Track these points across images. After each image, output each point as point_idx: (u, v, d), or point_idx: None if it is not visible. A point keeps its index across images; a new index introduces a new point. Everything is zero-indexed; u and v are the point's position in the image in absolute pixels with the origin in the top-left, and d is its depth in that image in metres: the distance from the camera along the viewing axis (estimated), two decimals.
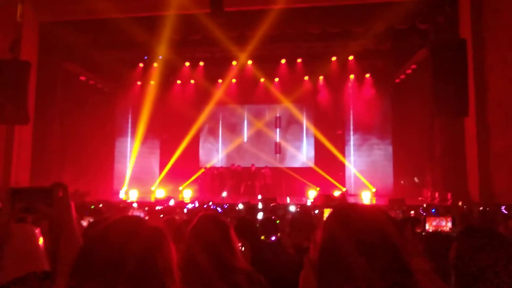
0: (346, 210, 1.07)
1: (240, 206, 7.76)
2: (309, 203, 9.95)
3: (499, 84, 9.48)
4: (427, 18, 10.95)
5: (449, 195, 10.02)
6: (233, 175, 15.02)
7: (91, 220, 4.13)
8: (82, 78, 13.96)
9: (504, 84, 9.25)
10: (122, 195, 12.82)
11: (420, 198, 11.79)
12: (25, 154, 11.19)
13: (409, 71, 13.23)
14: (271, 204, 8.02)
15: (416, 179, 13.11)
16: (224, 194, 13.36)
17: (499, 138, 9.49)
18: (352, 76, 15.34)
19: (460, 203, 8.50)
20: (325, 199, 9.78)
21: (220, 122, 16.65)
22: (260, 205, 7.95)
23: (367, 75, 15.28)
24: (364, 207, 1.08)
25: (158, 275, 0.97)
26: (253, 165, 15.24)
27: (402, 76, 13.89)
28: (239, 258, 1.87)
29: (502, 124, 9.37)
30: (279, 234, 3.54)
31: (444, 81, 9.35)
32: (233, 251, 1.85)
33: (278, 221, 4.01)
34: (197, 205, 8.08)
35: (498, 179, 9.47)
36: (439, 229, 3.55)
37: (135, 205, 8.51)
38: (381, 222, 1.00)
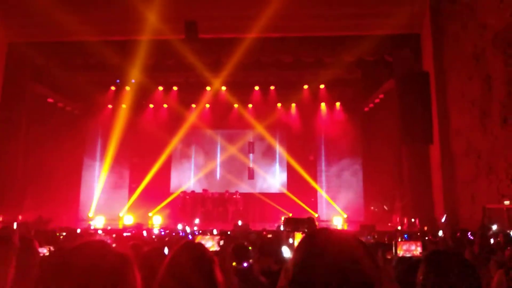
0: (318, 234, 1.07)
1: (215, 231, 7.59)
2: (282, 228, 9.88)
3: (460, 114, 10.01)
4: (393, 51, 11.55)
5: (417, 221, 10.25)
6: (205, 201, 14.78)
7: (52, 248, 3.90)
8: (50, 100, 13.56)
9: (464, 115, 9.77)
10: (87, 223, 12.27)
11: (389, 224, 11.99)
12: None
13: (377, 100, 13.76)
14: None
15: (385, 207, 13.37)
16: (197, 220, 13.07)
17: (462, 165, 9.92)
18: (323, 104, 15.77)
19: (426, 229, 8.71)
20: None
21: (193, 147, 16.51)
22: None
23: (338, 104, 15.76)
24: (335, 231, 1.08)
25: None
26: (227, 191, 15.10)
27: (371, 105, 14.42)
28: None
29: (463, 151, 9.82)
30: (251, 261, 3.48)
31: (410, 110, 9.79)
32: (212, 284, 1.69)
33: (250, 248, 3.94)
34: (163, 233, 7.84)
35: (463, 204, 9.83)
36: (410, 254, 3.60)
37: (100, 232, 8.15)
38: (352, 246, 1.01)
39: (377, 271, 0.99)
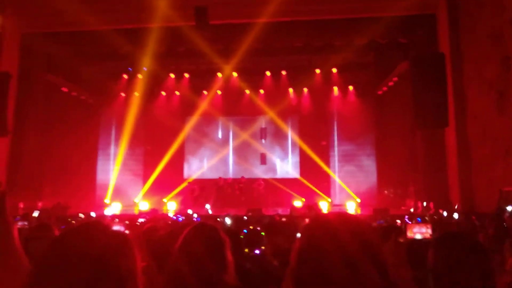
0: (324, 219, 1.05)
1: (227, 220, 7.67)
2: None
3: (476, 97, 9.78)
4: (407, 33, 11.28)
5: (431, 205, 10.18)
6: (218, 188, 14.94)
7: None
8: (64, 89, 13.75)
9: (481, 97, 9.55)
10: (102, 209, 12.56)
11: (403, 208, 11.94)
12: None
13: (391, 84, 13.53)
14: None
15: (398, 191, 13.28)
16: (208, 206, 13.23)
17: (478, 148, 9.75)
18: (335, 88, 15.58)
19: (441, 212, 8.65)
20: (308, 210, 9.83)
21: (205, 133, 16.60)
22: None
23: (350, 87, 15.55)
24: (342, 215, 1.06)
25: (118, 281, 0.95)
26: (242, 177, 15.18)
27: (385, 88, 14.19)
28: (230, 274, 1.74)
29: (480, 135, 9.64)
30: (263, 248, 3.47)
31: (425, 93, 9.60)
32: (223, 267, 1.72)
33: (263, 233, 3.94)
34: (180, 219, 7.98)
35: (478, 188, 9.70)
36: (421, 236, 3.61)
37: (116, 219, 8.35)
38: (361, 230, 0.99)
39: (385, 255, 0.98)
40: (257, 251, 3.34)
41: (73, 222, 6.85)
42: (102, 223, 1.08)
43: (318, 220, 1.07)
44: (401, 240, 3.93)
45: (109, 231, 1.03)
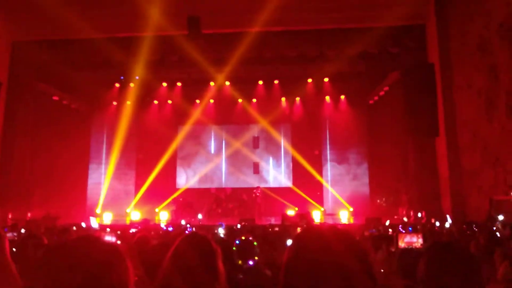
0: (310, 232, 1.08)
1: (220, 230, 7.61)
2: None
3: (465, 105, 9.91)
4: (397, 43, 11.44)
5: (423, 213, 10.22)
6: (211, 198, 14.86)
7: None
8: (55, 98, 13.65)
9: (470, 106, 9.68)
10: (94, 220, 12.33)
11: (395, 217, 11.96)
12: None
13: (382, 93, 13.66)
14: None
15: (387, 200, 13.32)
16: (200, 216, 13.13)
17: (468, 157, 9.85)
18: (327, 98, 15.69)
19: (433, 221, 8.68)
20: (300, 219, 9.80)
21: (198, 142, 16.54)
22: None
23: (342, 97, 15.67)
24: (328, 229, 1.09)
25: None
26: (229, 188, 15.15)
27: (376, 98, 14.33)
28: (221, 284, 1.73)
29: (470, 143, 9.74)
30: (256, 258, 3.42)
31: (415, 102, 9.73)
32: (214, 277, 1.71)
33: (255, 243, 3.89)
34: (171, 229, 7.90)
35: (469, 197, 9.77)
36: (411, 246, 3.61)
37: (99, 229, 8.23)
38: (350, 242, 1.02)
39: (367, 269, 0.99)
40: (250, 262, 3.29)
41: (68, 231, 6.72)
42: (95, 236, 1.09)
43: (308, 231, 1.09)
44: (393, 249, 3.93)
45: (102, 244, 1.04)
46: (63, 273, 0.93)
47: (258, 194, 14.62)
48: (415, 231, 5.12)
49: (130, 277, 1.01)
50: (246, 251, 3.38)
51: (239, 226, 7.86)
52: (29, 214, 11.17)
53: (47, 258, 1.01)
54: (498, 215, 7.11)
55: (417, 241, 3.67)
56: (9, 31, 11.25)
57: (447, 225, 7.73)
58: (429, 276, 1.40)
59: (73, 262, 0.95)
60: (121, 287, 0.97)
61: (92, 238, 1.06)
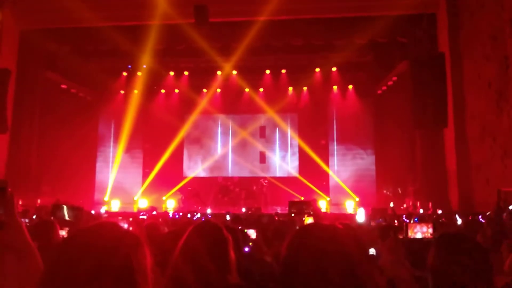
0: (310, 229, 1.10)
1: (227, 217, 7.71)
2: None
3: (475, 97, 9.79)
4: (407, 32, 11.27)
5: (430, 204, 10.20)
6: (218, 187, 14.94)
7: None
8: (63, 86, 13.72)
9: (480, 97, 9.56)
10: (101, 206, 12.53)
11: (402, 207, 11.95)
12: None
13: (390, 83, 13.52)
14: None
15: (399, 190, 13.30)
16: (209, 210, 13.23)
17: (477, 148, 9.77)
18: (335, 87, 15.59)
19: (440, 212, 8.67)
20: (307, 206, 9.81)
21: (205, 131, 16.59)
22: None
23: (350, 87, 15.56)
24: (328, 226, 1.10)
25: (134, 280, 0.97)
26: (238, 176, 15.20)
27: (384, 88, 14.19)
28: (232, 273, 1.71)
29: (479, 135, 9.65)
30: (250, 244, 3.47)
31: (424, 93, 9.61)
32: (226, 266, 1.70)
33: (246, 231, 3.93)
34: (177, 216, 8.00)
35: (477, 188, 9.72)
36: (421, 236, 3.62)
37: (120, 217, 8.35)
38: (342, 242, 1.03)
39: (364, 266, 1.01)
40: (246, 249, 3.35)
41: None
42: (113, 222, 1.10)
43: (302, 230, 1.12)
44: (400, 236, 3.95)
45: (121, 230, 1.05)
46: (84, 258, 0.95)
47: (265, 184, 14.68)
48: (424, 221, 5.12)
49: (148, 263, 1.03)
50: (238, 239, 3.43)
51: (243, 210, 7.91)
52: (39, 201, 11.34)
53: (68, 243, 1.03)
54: (506, 206, 7.08)
55: (427, 231, 3.68)
56: (17, 19, 11.28)
57: (455, 216, 7.71)
58: (438, 266, 1.41)
59: (93, 247, 0.97)
60: (141, 273, 0.99)
61: (111, 224, 1.07)
